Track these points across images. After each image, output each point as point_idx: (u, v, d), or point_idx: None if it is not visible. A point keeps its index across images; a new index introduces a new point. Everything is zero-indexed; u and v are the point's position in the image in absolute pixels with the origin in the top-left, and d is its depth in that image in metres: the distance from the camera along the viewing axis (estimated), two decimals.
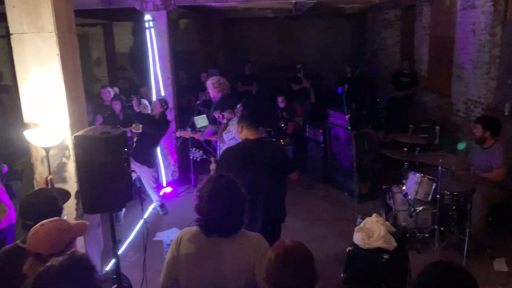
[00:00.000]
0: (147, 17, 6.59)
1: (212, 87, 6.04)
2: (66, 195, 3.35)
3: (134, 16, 9.28)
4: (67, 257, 1.83)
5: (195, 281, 2.23)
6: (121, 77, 9.58)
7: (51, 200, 2.75)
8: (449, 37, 7.55)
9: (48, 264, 1.80)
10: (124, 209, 5.57)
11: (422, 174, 4.87)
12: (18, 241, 2.45)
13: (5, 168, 4.55)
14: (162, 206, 6.18)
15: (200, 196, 2.22)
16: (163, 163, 6.95)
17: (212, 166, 4.01)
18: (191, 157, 4.66)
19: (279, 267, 1.83)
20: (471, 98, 6.68)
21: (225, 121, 5.38)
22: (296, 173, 3.77)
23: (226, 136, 5.19)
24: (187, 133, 6.40)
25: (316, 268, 1.89)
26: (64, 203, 3.19)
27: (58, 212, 2.79)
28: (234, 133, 5.12)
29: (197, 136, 6.33)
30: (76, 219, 3.76)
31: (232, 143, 5.15)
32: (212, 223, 2.20)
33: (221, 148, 5.35)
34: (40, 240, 2.15)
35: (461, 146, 5.60)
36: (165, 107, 6.08)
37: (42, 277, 1.76)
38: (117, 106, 6.54)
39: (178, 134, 6.50)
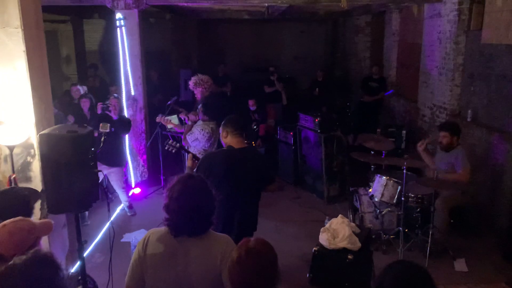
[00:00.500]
0: (118, 15, 6.51)
1: (195, 86, 5.95)
2: (36, 194, 3.25)
3: (105, 14, 9.16)
4: (30, 255, 1.77)
5: (161, 281, 2.23)
6: (92, 75, 9.41)
7: (22, 200, 2.66)
8: (416, 44, 7.77)
9: (10, 262, 1.74)
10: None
11: (387, 177, 4.99)
12: None
13: None
14: (130, 207, 6.11)
15: (170, 195, 2.22)
16: (132, 163, 6.87)
17: (189, 163, 3.81)
18: (166, 148, 4.51)
19: (241, 268, 1.84)
20: (437, 103, 6.89)
21: (190, 123, 5.35)
22: (275, 184, 3.73)
23: (189, 137, 5.18)
24: (166, 120, 6.13)
25: (278, 268, 1.91)
26: (35, 202, 3.10)
27: (29, 212, 2.70)
28: (197, 135, 5.12)
29: (175, 126, 6.17)
30: (40, 219, 3.68)
31: (195, 144, 5.15)
32: (180, 223, 2.20)
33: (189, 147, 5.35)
34: (2, 241, 2.08)
35: None
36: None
37: (5, 276, 1.70)
38: (85, 104, 6.41)
39: (158, 119, 6.21)
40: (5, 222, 2.17)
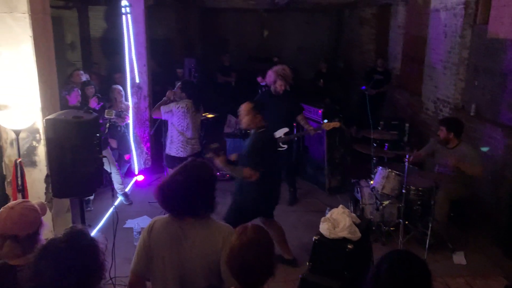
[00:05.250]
0: (124, 2, 6.50)
1: (277, 77, 5.74)
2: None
3: (110, 0, 9.13)
4: (69, 229, 1.89)
5: (164, 265, 2.29)
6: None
7: None
8: (422, 37, 7.74)
9: (49, 238, 1.85)
10: (93, 195, 5.54)
11: (389, 169, 5.01)
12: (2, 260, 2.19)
13: None
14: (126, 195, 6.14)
15: (172, 174, 2.34)
16: (136, 151, 6.90)
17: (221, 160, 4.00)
18: (209, 156, 4.27)
19: (241, 255, 1.90)
20: (440, 97, 6.89)
21: (171, 97, 5.36)
22: (248, 170, 3.92)
23: (164, 108, 5.18)
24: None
25: (275, 255, 1.99)
26: None
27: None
28: (172, 107, 5.16)
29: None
30: (46, 203, 3.73)
31: (167, 116, 5.21)
32: (175, 202, 2.27)
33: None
34: (16, 222, 2.15)
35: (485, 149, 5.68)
36: None
37: (49, 249, 1.79)
38: (91, 91, 6.42)
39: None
40: (9, 205, 2.24)
